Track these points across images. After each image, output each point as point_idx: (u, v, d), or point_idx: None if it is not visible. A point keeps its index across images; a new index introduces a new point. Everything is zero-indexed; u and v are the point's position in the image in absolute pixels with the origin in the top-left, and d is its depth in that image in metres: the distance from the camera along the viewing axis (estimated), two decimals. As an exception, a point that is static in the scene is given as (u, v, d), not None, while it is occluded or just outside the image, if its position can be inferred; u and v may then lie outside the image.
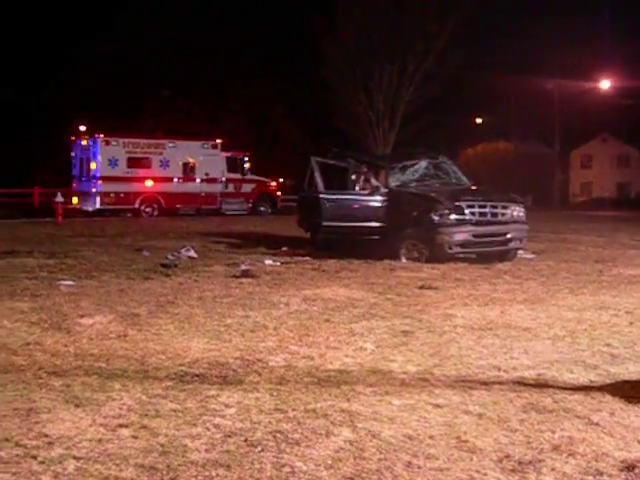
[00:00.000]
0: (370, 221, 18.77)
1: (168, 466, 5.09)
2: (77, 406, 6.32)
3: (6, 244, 21.02)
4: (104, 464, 5.11)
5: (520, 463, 5.25)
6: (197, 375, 7.31)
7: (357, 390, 6.84)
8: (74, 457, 5.23)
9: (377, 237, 18.64)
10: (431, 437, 5.70)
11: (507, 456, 5.36)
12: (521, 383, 7.15)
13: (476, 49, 53.87)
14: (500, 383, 7.13)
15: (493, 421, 6.07)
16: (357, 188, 19.78)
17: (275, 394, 6.68)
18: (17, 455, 5.25)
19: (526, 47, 64.33)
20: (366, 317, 10.45)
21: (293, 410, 6.25)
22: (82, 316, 10.20)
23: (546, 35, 66.11)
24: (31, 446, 5.42)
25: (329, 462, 5.20)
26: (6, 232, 27.19)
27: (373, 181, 19.40)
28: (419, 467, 5.15)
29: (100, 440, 5.55)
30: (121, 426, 5.85)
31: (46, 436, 5.62)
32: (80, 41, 62.57)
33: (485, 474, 5.07)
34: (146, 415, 6.09)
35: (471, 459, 5.30)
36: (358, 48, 54.60)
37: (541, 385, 7.10)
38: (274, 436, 5.66)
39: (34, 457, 5.22)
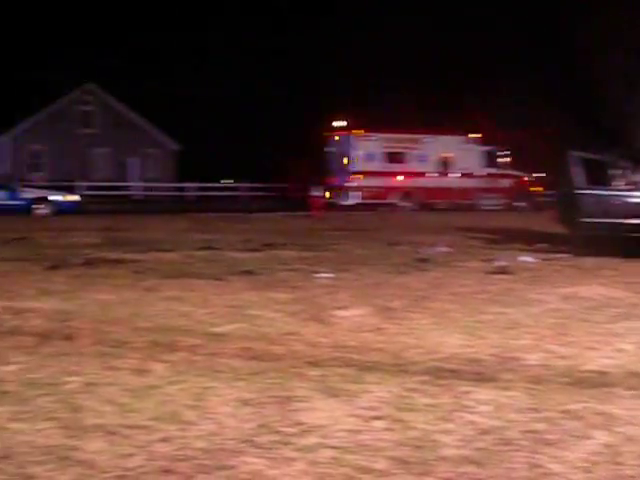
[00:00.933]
0: (632, 218, 18.13)
1: (420, 460, 5.09)
2: (333, 396, 6.43)
3: (265, 237, 21.70)
4: (358, 454, 5.18)
5: None
6: (451, 371, 7.28)
7: (615, 392, 6.62)
8: (329, 446, 5.32)
9: (639, 235, 17.97)
10: (694, 445, 5.45)
11: None
12: None
13: None
14: None
15: None
16: (617, 184, 19.14)
17: (530, 393, 6.57)
18: (274, 441, 5.40)
19: None
20: (626, 317, 10.10)
21: (548, 410, 6.12)
22: (338, 308, 10.39)
23: None
24: (287, 433, 5.56)
25: (584, 465, 5.06)
26: (265, 225, 28.10)
27: (635, 176, 18.73)
28: (681, 476, 4.93)
29: (354, 431, 5.63)
30: (375, 418, 5.90)
31: (302, 424, 5.75)
32: (336, 38, 63.71)
33: None
34: (400, 408, 6.13)
35: None
36: (630, 43, 52.77)
37: None
38: (528, 436, 5.57)
39: (290, 444, 5.35)
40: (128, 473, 4.86)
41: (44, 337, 8.64)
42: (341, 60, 62.61)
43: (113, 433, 5.55)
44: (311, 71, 64.13)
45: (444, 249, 18.44)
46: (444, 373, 7.19)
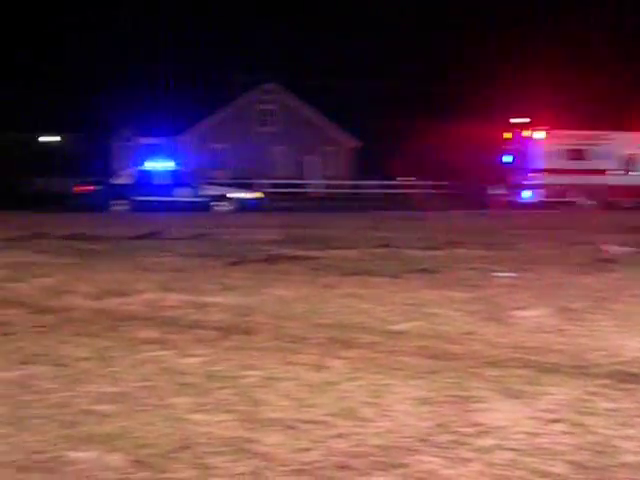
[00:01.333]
0: None
1: (600, 466, 4.96)
2: (511, 397, 6.34)
3: (444, 235, 21.61)
4: (535, 457, 5.08)
5: None
6: (634, 375, 7.06)
7: None
8: (506, 448, 5.24)
9: None
10: None
11: None
12: None
13: None
14: None
15: None
16: None
17: None
18: (450, 441, 5.35)
19: None
20: None
21: None
22: (518, 308, 10.24)
23: None
24: (464, 433, 5.51)
25: None
26: (444, 223, 28.00)
27: None
28: None
29: (533, 433, 5.53)
30: (554, 421, 5.78)
31: (479, 425, 5.68)
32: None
33: None
34: (580, 412, 5.99)
35: None
36: None
37: None
38: None
39: (467, 444, 5.30)
40: (305, 467, 4.91)
41: (224, 331, 8.84)
42: (520, 56, 61.82)
43: (291, 427, 5.61)
44: (488, 68, 63.62)
45: (627, 249, 17.95)
46: (626, 377, 6.98)
